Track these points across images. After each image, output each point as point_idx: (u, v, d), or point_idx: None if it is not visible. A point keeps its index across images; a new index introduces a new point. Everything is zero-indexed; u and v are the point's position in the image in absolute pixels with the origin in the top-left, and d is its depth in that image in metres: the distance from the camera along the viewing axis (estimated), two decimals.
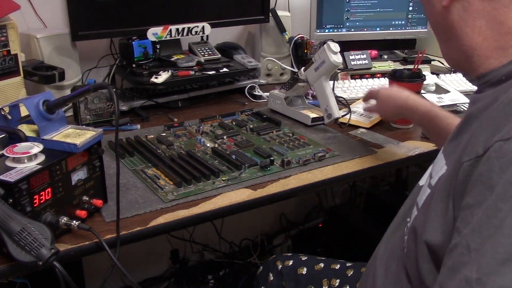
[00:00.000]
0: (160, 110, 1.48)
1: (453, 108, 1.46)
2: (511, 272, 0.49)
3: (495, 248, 0.50)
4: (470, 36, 0.66)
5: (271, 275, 1.15)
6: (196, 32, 1.54)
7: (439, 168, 0.67)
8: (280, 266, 1.15)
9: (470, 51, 0.67)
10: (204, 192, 1.00)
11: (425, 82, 1.37)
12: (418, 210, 0.69)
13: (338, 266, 1.10)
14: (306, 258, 1.16)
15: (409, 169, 2.14)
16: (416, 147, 1.24)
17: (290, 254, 1.19)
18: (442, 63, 1.79)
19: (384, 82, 1.66)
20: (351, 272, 1.07)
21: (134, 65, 1.49)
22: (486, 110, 0.62)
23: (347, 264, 1.10)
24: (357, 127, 1.36)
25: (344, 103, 1.44)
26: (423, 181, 0.76)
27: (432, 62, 1.80)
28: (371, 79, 1.69)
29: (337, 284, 1.05)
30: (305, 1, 1.82)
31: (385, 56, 1.86)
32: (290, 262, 1.15)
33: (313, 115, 1.37)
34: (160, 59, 1.55)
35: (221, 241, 2.01)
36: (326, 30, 1.77)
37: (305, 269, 1.11)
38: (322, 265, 1.11)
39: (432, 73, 1.72)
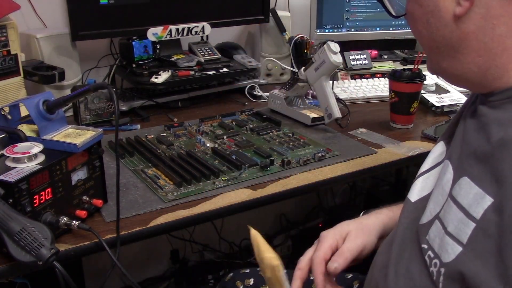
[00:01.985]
0: (160, 110, 1.48)
1: (453, 108, 1.46)
2: None
3: None
4: (489, 46, 0.61)
5: None
6: (196, 32, 1.54)
7: (473, 196, 0.59)
8: (241, 287, 1.06)
9: (487, 63, 0.62)
10: (204, 192, 1.00)
11: (425, 82, 1.37)
12: (464, 248, 0.58)
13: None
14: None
15: (409, 169, 2.14)
16: (416, 147, 1.24)
17: (249, 270, 1.09)
18: None
19: (384, 82, 1.66)
20: None
21: (134, 65, 1.49)
22: None
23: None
24: (357, 127, 1.36)
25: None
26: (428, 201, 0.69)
27: None
28: (371, 79, 1.69)
29: None
30: (305, 1, 1.82)
31: (385, 56, 1.86)
32: (251, 281, 1.05)
33: (313, 115, 1.37)
34: (160, 59, 1.55)
35: (221, 241, 2.01)
36: (326, 30, 1.77)
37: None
38: None
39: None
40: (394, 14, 0.76)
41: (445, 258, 0.60)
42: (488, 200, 0.57)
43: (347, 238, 0.84)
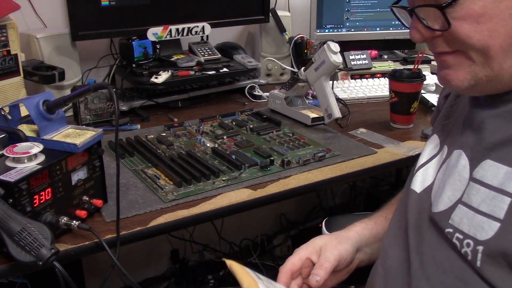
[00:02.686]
0: (160, 110, 1.48)
1: None
2: None
3: None
4: None
5: None
6: (196, 32, 1.54)
7: (503, 175, 0.61)
8: None
9: None
10: (204, 192, 1.00)
11: (425, 82, 1.37)
12: (502, 223, 0.60)
13: None
14: None
15: (409, 169, 2.13)
16: (416, 147, 1.24)
17: None
18: None
19: (384, 82, 1.66)
20: None
21: (134, 65, 1.49)
22: None
23: None
24: (357, 127, 1.36)
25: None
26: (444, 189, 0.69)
27: (432, 62, 1.80)
28: (371, 79, 1.69)
29: None
30: (305, 1, 1.82)
31: (385, 56, 1.86)
32: None
33: (313, 115, 1.37)
34: (160, 59, 1.55)
35: (221, 241, 2.01)
36: (326, 30, 1.77)
37: None
38: None
39: (432, 73, 1.72)
40: (434, 27, 0.64)
41: (482, 236, 0.61)
42: None
43: (323, 251, 0.84)
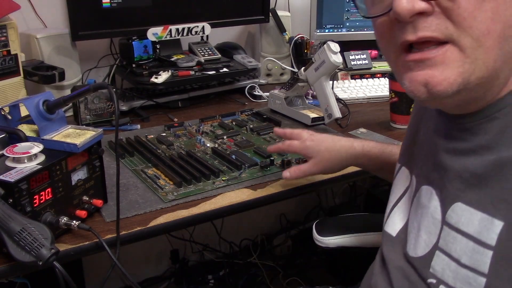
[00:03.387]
0: (160, 110, 1.48)
1: None
2: None
3: None
4: None
5: None
6: (196, 32, 1.54)
7: (478, 223, 0.56)
8: None
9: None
10: (204, 192, 1.00)
11: None
12: (488, 278, 0.55)
13: None
14: None
15: None
16: None
17: None
18: None
19: (384, 82, 1.66)
20: None
21: (134, 65, 1.49)
22: None
23: None
24: (357, 127, 1.36)
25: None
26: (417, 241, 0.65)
27: None
28: (371, 79, 1.69)
29: None
30: (305, 1, 1.82)
31: None
32: None
33: (313, 115, 1.37)
34: (160, 59, 1.55)
35: (221, 241, 2.01)
36: (326, 30, 1.77)
37: None
38: None
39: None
40: None
41: None
42: (499, 224, 0.54)
43: (312, 158, 0.99)
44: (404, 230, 0.69)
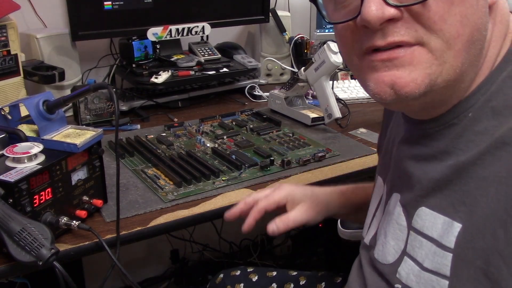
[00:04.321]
0: (160, 110, 1.48)
1: None
2: None
3: None
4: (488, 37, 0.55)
5: None
6: (196, 32, 1.54)
7: (441, 226, 0.56)
8: None
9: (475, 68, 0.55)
10: (204, 192, 1.00)
11: None
12: (450, 280, 0.55)
13: (292, 286, 1.02)
14: (256, 278, 1.05)
15: None
16: None
17: (239, 272, 1.08)
18: None
19: None
20: None
21: (134, 65, 1.49)
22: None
23: (301, 283, 1.02)
24: (357, 127, 1.36)
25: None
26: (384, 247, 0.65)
27: None
28: None
29: None
30: (305, 1, 1.82)
31: None
32: (241, 286, 1.05)
33: (313, 115, 1.37)
34: (160, 59, 1.55)
35: (221, 241, 2.01)
36: (326, 30, 1.77)
37: None
38: (275, 285, 1.03)
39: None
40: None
41: None
42: (457, 226, 0.54)
43: (298, 207, 0.87)
44: (374, 237, 0.71)
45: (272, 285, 1.03)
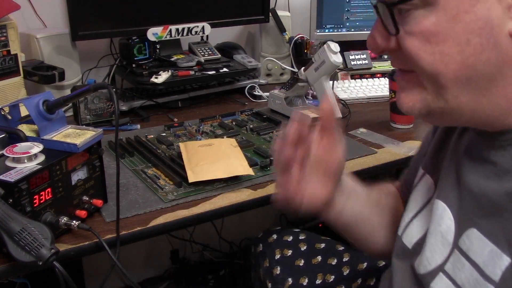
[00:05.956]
0: (160, 110, 1.48)
1: None
2: None
3: None
4: None
5: (267, 260, 1.08)
6: (196, 32, 1.54)
7: (487, 254, 0.54)
8: (278, 256, 1.08)
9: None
10: (204, 192, 1.00)
11: None
12: None
13: (335, 261, 1.04)
14: (305, 247, 1.08)
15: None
16: (416, 147, 1.23)
17: (291, 238, 1.11)
18: None
19: (384, 82, 1.66)
20: (347, 271, 1.02)
21: (134, 65, 1.49)
22: None
23: (344, 260, 1.04)
24: (357, 127, 1.36)
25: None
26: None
27: None
28: (371, 79, 1.69)
29: (331, 279, 1.02)
30: (305, 1, 1.82)
31: (385, 56, 1.85)
32: (289, 252, 1.08)
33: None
34: (160, 59, 1.55)
35: (221, 241, 2.01)
36: (326, 30, 1.77)
37: (302, 261, 1.06)
38: (319, 258, 1.06)
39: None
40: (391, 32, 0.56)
41: None
42: (506, 260, 0.52)
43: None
44: (420, 244, 0.66)
45: (317, 257, 1.06)
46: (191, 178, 1.00)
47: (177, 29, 1.50)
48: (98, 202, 0.90)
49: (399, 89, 0.59)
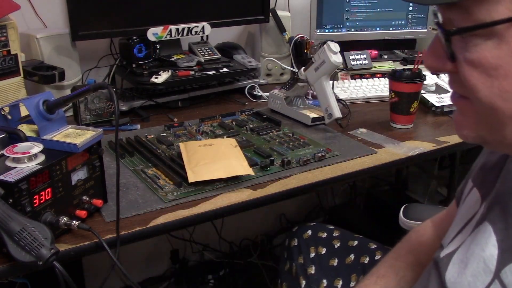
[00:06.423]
0: (160, 110, 1.48)
1: (453, 108, 1.46)
2: None
3: None
4: None
5: (302, 257, 1.11)
6: (196, 32, 1.54)
7: None
8: (313, 254, 1.10)
9: None
10: (204, 192, 1.00)
11: (425, 82, 1.37)
12: None
13: (367, 259, 1.06)
14: (338, 245, 1.11)
15: (409, 169, 2.14)
16: (416, 147, 1.24)
17: (325, 235, 1.14)
18: None
19: (384, 82, 1.66)
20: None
21: (134, 65, 1.49)
22: None
23: (376, 258, 1.06)
24: (357, 127, 1.36)
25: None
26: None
27: None
28: (371, 79, 1.69)
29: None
30: (305, 1, 1.82)
31: (385, 56, 1.86)
32: (324, 250, 1.10)
33: (313, 115, 1.37)
34: (160, 59, 1.55)
35: (221, 241, 2.01)
36: (326, 30, 1.77)
37: (336, 260, 1.08)
38: (352, 257, 1.08)
39: (432, 73, 1.72)
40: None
41: None
42: None
43: None
44: (450, 256, 0.63)
45: (350, 256, 1.08)
46: (191, 178, 1.00)
47: (177, 29, 1.50)
48: (98, 202, 0.91)
49: (457, 111, 0.55)
